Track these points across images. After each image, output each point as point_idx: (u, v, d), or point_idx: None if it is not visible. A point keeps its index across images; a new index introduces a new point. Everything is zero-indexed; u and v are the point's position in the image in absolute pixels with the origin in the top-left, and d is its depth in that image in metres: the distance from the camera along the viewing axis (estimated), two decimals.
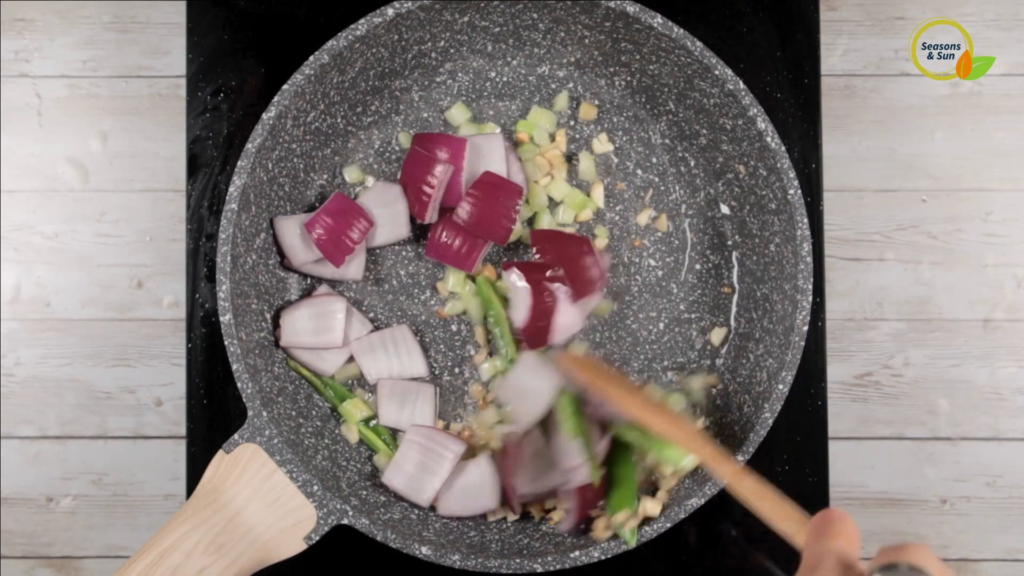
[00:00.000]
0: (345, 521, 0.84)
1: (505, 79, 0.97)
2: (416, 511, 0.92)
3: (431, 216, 0.93)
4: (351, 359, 0.95)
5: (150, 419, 1.01)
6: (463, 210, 0.91)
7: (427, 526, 0.91)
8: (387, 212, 0.93)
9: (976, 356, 1.02)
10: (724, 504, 0.84)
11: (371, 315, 0.96)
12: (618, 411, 0.86)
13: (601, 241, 0.96)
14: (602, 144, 0.96)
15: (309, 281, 0.96)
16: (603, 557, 0.85)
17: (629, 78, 0.96)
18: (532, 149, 0.96)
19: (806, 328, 0.87)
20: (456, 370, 0.96)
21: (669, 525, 0.86)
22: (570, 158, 0.97)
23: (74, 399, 1.01)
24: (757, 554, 0.97)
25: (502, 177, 0.92)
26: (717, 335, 0.96)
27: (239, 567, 0.81)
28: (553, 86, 0.97)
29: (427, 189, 0.91)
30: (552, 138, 0.97)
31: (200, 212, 0.98)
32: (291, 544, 0.84)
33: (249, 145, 0.87)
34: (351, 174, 0.96)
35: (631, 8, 0.88)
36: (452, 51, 0.96)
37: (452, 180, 0.92)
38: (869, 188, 1.03)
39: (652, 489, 0.91)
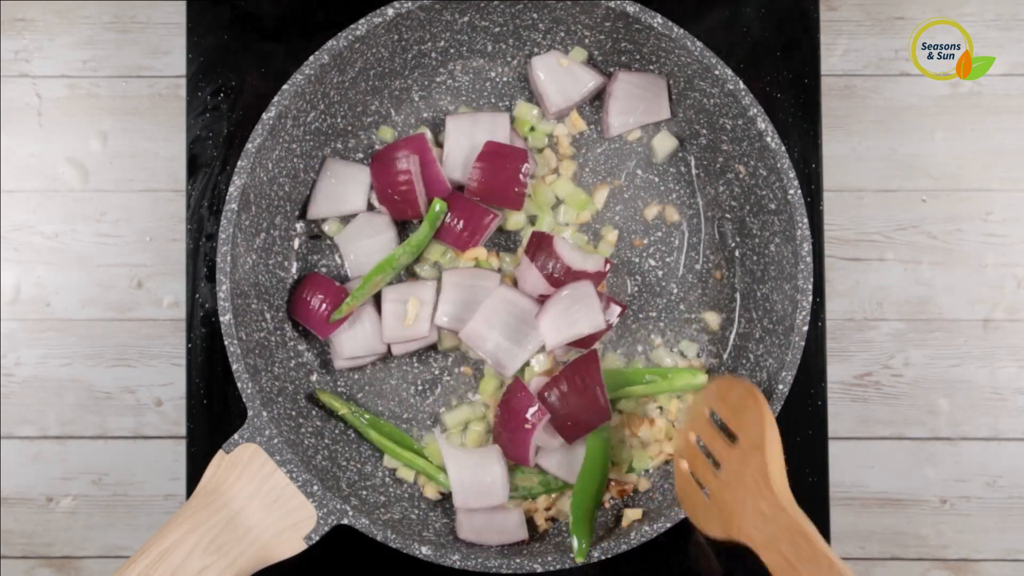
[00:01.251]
0: (345, 521, 0.84)
1: (505, 79, 0.97)
2: (416, 511, 0.92)
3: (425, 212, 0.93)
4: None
5: (150, 419, 1.01)
6: (472, 181, 0.91)
7: (427, 526, 0.91)
8: (378, 240, 0.94)
9: (976, 356, 1.02)
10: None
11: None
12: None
13: (611, 237, 0.95)
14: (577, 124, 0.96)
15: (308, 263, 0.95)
16: (603, 557, 0.85)
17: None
18: (541, 139, 0.96)
19: (806, 328, 0.87)
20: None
21: (669, 525, 0.86)
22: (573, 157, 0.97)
23: (74, 399, 1.01)
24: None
25: (503, 144, 0.91)
26: (713, 319, 0.95)
27: (239, 567, 0.81)
28: None
29: (402, 178, 0.90)
30: (554, 138, 0.97)
31: (200, 212, 0.98)
32: (291, 544, 0.83)
33: (249, 145, 0.87)
34: None
35: (631, 8, 0.88)
36: (452, 51, 0.95)
37: (428, 171, 0.92)
38: (869, 188, 1.03)
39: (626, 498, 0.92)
